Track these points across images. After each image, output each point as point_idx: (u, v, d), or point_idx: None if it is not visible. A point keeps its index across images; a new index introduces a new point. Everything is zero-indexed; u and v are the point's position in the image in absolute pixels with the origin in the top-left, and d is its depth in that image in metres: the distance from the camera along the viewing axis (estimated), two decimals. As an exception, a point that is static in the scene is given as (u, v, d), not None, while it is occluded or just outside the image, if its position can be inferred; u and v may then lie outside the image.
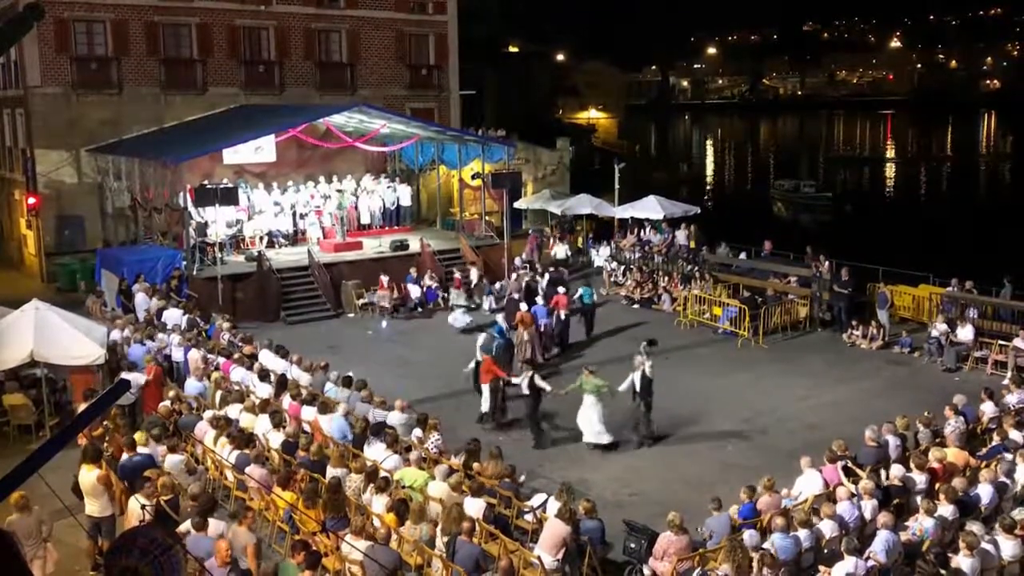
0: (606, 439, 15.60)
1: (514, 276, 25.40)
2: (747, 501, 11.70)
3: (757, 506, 11.77)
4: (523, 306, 21.23)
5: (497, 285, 26.29)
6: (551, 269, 26.84)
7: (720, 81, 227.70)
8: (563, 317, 22.20)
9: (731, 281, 25.79)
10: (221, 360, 17.61)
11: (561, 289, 23.31)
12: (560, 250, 30.67)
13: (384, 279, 25.52)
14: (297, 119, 28.86)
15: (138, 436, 12.81)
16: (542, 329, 21.25)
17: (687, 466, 15.35)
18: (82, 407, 13.88)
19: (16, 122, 31.40)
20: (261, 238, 28.48)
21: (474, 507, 11.45)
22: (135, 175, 27.68)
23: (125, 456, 12.28)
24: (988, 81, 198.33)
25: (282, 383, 16.08)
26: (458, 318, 23.93)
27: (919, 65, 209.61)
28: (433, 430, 14.34)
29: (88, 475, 11.44)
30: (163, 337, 18.94)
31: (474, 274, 26.63)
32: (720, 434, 16.77)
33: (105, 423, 13.54)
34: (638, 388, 15.91)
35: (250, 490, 12.60)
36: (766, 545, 10.35)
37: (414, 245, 28.29)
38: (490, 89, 66.07)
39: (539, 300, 22.58)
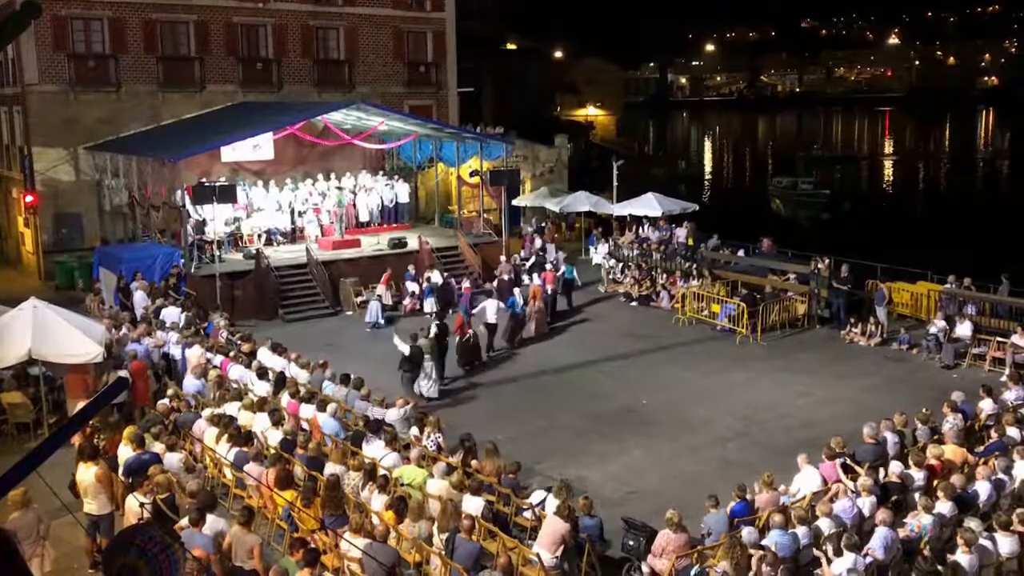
0: (433, 392, 18.38)
1: (502, 259, 27.04)
2: (738, 500, 11.71)
3: (756, 503, 11.78)
4: (536, 279, 24.73)
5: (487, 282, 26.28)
6: (538, 253, 28.71)
7: (718, 78, 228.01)
8: (550, 291, 24.67)
9: (729, 278, 25.80)
10: (219, 358, 17.60)
11: (548, 266, 26.33)
12: (537, 242, 30.93)
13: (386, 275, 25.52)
14: (295, 116, 28.81)
15: (128, 432, 12.80)
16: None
17: (685, 463, 15.37)
18: (80, 405, 13.88)
19: (14, 120, 31.39)
20: (259, 236, 28.45)
21: (473, 505, 11.46)
22: (133, 173, 27.66)
23: (132, 454, 12.28)
24: (986, 78, 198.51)
25: (280, 381, 16.08)
26: (372, 311, 24.15)
27: (917, 62, 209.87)
28: (436, 428, 14.35)
29: (86, 473, 11.43)
30: (161, 335, 18.92)
31: (436, 276, 26.07)
32: (718, 431, 16.79)
33: (93, 422, 13.49)
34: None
35: (249, 488, 12.60)
36: (764, 542, 10.35)
37: (412, 243, 28.28)
38: (488, 86, 66.05)
39: (526, 280, 25.40)
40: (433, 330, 19.17)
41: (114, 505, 11.64)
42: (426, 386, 18.45)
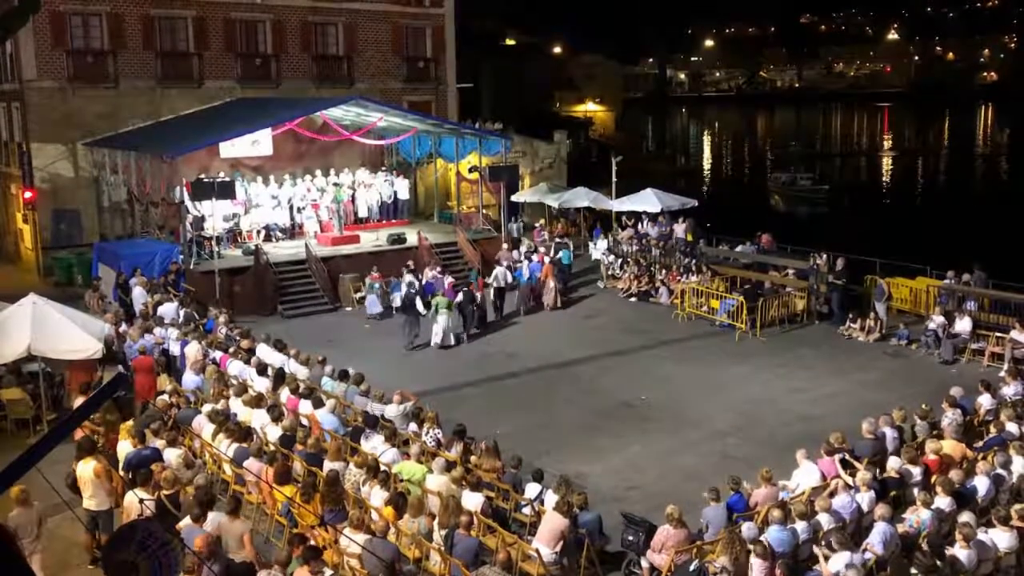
0: (450, 341, 21.97)
1: (504, 246, 28.32)
2: (734, 493, 11.74)
3: (754, 498, 11.79)
4: (546, 260, 26.38)
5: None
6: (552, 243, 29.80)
7: (717, 74, 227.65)
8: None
9: (728, 274, 25.81)
10: (219, 354, 17.60)
11: (542, 249, 28.19)
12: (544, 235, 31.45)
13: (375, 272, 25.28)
14: (294, 112, 28.80)
15: (127, 427, 12.79)
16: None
17: (685, 459, 15.38)
18: (79, 401, 13.88)
19: (12, 116, 31.34)
20: (258, 232, 28.45)
21: (472, 501, 11.47)
22: (132, 169, 27.63)
23: (132, 449, 12.28)
24: (985, 73, 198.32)
25: (280, 377, 16.08)
26: (372, 303, 24.69)
27: (916, 57, 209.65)
28: (434, 423, 14.36)
29: (85, 468, 11.43)
30: (160, 331, 18.91)
31: (428, 273, 25.64)
32: (717, 427, 16.80)
33: (94, 418, 13.50)
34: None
35: (248, 484, 12.61)
36: (763, 537, 10.36)
37: (411, 239, 28.27)
38: (487, 82, 66.08)
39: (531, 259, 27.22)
40: (460, 296, 22.76)
41: (114, 501, 11.65)
42: (435, 337, 21.95)
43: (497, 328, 23.85)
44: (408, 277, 24.56)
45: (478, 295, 23.38)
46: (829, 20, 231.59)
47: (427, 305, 22.66)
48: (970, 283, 22.17)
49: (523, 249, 29.30)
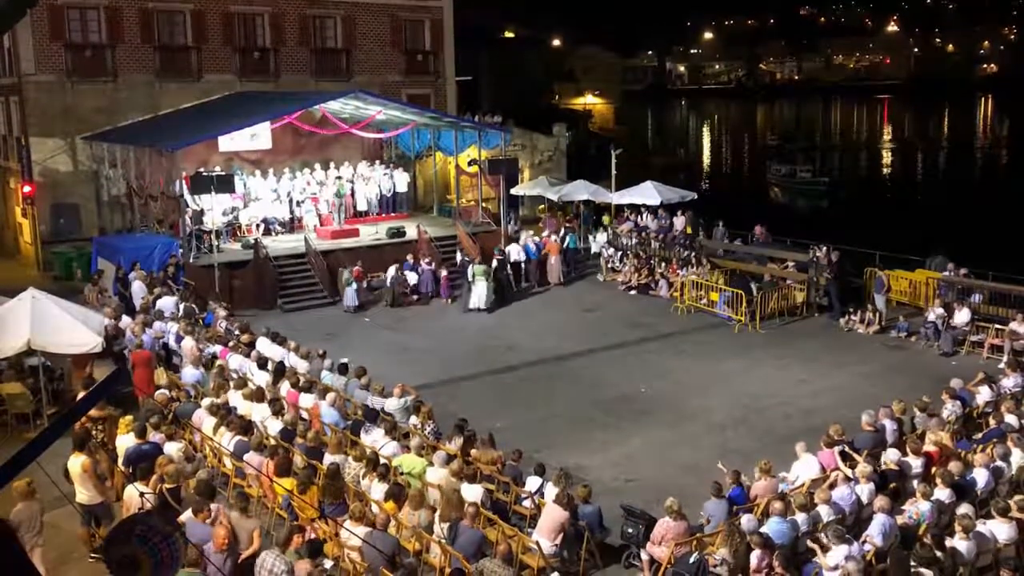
0: (486, 305, 24.21)
1: (527, 235, 29.51)
2: (734, 486, 11.76)
3: (754, 490, 11.81)
4: (553, 238, 28.36)
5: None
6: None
7: (717, 66, 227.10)
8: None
9: (728, 266, 25.79)
10: (218, 348, 17.59)
11: (547, 231, 29.74)
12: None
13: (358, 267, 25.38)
14: (293, 106, 28.73)
15: (127, 422, 12.81)
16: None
17: (684, 452, 15.40)
18: (80, 395, 13.89)
19: (10, 110, 31.28)
20: (257, 225, 28.41)
21: (472, 493, 11.49)
22: (131, 163, 27.60)
23: (133, 444, 12.29)
24: (985, 65, 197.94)
25: (280, 371, 16.08)
26: (350, 296, 24.79)
27: (916, 49, 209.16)
28: (428, 418, 14.37)
29: (74, 463, 11.45)
30: (160, 325, 18.91)
31: (424, 264, 26.04)
32: (717, 419, 16.82)
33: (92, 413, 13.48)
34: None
35: (248, 477, 12.62)
36: (763, 529, 10.38)
37: (411, 232, 28.25)
38: (486, 75, 65.87)
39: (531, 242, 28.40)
40: (494, 264, 25.06)
41: (110, 495, 11.66)
42: (474, 301, 24.21)
43: (500, 319, 24.10)
44: (391, 270, 25.36)
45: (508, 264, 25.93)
46: (828, 12, 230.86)
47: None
48: (969, 275, 22.18)
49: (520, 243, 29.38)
